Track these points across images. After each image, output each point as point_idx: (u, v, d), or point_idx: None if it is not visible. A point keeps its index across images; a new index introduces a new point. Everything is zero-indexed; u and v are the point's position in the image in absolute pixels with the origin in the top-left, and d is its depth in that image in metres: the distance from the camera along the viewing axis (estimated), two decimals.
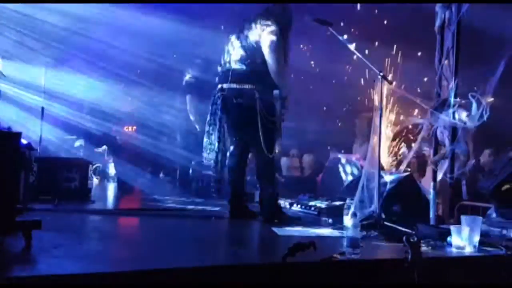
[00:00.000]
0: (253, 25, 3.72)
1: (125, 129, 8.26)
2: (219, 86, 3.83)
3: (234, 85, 3.72)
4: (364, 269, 2.37)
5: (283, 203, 4.25)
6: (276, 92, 3.68)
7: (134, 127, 8.31)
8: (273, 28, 3.66)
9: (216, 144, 3.82)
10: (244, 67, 3.70)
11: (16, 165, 2.32)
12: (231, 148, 3.92)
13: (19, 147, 2.34)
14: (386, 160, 5.71)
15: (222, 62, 3.90)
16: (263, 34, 3.64)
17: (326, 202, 3.98)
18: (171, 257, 2.51)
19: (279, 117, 3.77)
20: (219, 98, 3.81)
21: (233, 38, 3.84)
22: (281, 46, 3.67)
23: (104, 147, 7.11)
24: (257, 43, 3.67)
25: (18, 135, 2.32)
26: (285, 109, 3.79)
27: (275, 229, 3.30)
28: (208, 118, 3.90)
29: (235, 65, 3.74)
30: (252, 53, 3.69)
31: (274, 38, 3.64)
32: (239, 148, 3.92)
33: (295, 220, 3.73)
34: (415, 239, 2.38)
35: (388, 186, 3.90)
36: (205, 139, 3.91)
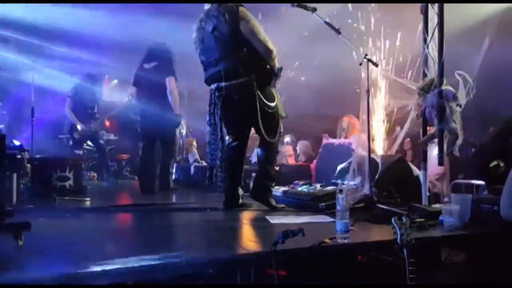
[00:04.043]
0: (222, 18, 3.70)
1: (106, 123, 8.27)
2: (215, 85, 3.83)
3: (230, 82, 3.73)
4: (354, 252, 2.38)
5: (277, 190, 4.27)
6: (275, 68, 3.73)
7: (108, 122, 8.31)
8: (243, 11, 3.67)
9: (220, 143, 3.85)
10: (233, 62, 3.70)
11: (3, 166, 2.31)
12: (229, 141, 3.94)
13: (4, 149, 2.34)
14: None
15: (206, 63, 3.89)
16: (241, 24, 3.63)
17: (319, 188, 3.99)
18: (165, 251, 2.52)
19: (279, 100, 3.89)
20: (218, 97, 3.81)
21: (202, 36, 3.83)
22: (259, 25, 3.69)
23: (89, 142, 7.10)
24: (236, 33, 3.65)
25: (2, 137, 2.32)
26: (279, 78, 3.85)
27: (268, 217, 3.33)
28: (208, 118, 3.92)
29: (225, 63, 3.73)
30: (236, 45, 3.68)
31: (251, 21, 3.66)
32: (239, 140, 3.94)
33: (279, 208, 3.80)
34: (404, 219, 2.40)
35: (380, 169, 3.91)
36: (207, 139, 3.96)
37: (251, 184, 4.30)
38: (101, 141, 6.94)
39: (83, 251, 2.40)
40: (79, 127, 6.56)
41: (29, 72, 6.18)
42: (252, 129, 3.97)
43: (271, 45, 3.69)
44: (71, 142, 6.70)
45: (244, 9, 3.71)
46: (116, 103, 8.61)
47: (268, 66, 3.74)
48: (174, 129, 5.66)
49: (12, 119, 7.75)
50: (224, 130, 3.90)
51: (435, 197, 4.57)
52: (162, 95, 5.29)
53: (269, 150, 3.90)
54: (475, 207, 2.94)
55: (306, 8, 3.66)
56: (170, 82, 5.31)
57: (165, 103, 5.29)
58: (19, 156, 4.26)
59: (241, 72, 3.68)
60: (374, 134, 4.60)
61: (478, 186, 4.21)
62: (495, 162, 3.27)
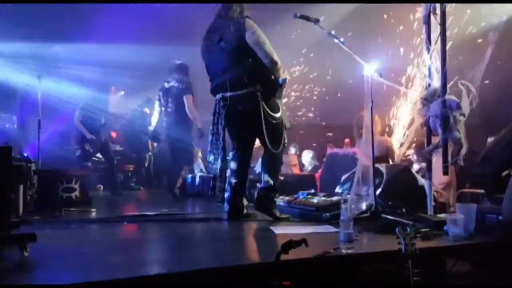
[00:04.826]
0: (228, 28, 3.74)
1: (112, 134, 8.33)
2: (220, 95, 3.86)
3: (235, 92, 3.76)
4: (358, 263, 2.38)
5: (281, 200, 4.27)
6: (280, 79, 3.76)
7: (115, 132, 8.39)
8: (250, 23, 3.71)
9: (222, 153, 3.86)
10: (238, 72, 3.73)
11: (8, 178, 2.34)
12: (234, 151, 3.95)
13: (11, 161, 2.37)
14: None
15: (212, 73, 3.93)
16: (247, 35, 3.67)
17: (324, 198, 3.98)
18: (170, 261, 2.54)
19: (284, 111, 3.91)
20: (222, 107, 3.84)
21: (209, 46, 3.88)
22: (265, 36, 3.72)
23: (98, 154, 7.12)
24: (242, 44, 3.68)
25: (9, 149, 2.35)
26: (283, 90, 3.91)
27: (272, 227, 3.33)
28: (211, 128, 3.95)
29: (230, 73, 3.76)
30: (241, 56, 3.72)
31: (257, 32, 3.70)
32: (243, 151, 3.95)
33: (284, 219, 3.80)
34: (409, 229, 2.39)
35: (385, 178, 3.90)
36: (209, 148, 3.98)
37: (256, 194, 4.30)
38: (111, 154, 6.97)
39: (88, 262, 2.42)
40: (89, 137, 6.61)
41: (36, 81, 6.26)
42: (257, 139, 3.99)
43: (276, 57, 3.72)
44: (79, 153, 6.74)
45: (251, 21, 3.75)
46: (122, 114, 8.70)
47: (272, 77, 3.77)
48: (191, 142, 6.19)
49: (21, 129, 7.82)
50: (227, 139, 3.92)
51: (442, 207, 4.53)
52: (180, 110, 5.96)
53: (273, 161, 3.91)
54: (480, 216, 2.93)
55: (309, 19, 3.69)
56: (187, 99, 5.95)
57: (183, 117, 5.95)
58: (25, 167, 4.30)
59: (246, 82, 3.71)
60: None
61: (484, 195, 4.18)
62: (506, 172, 3.25)
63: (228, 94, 3.79)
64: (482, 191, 4.31)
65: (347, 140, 5.87)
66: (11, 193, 2.42)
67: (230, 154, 3.94)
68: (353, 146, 5.88)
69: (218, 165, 3.91)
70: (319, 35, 3.97)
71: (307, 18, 3.69)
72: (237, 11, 3.79)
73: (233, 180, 3.90)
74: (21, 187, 3.96)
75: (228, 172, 3.94)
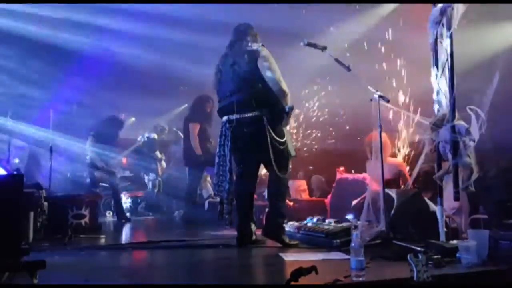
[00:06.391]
0: (242, 54, 3.82)
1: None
2: (226, 117, 3.90)
3: (242, 115, 3.80)
4: None
5: (290, 226, 4.23)
6: (287, 107, 3.79)
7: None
8: (263, 50, 3.79)
9: (228, 175, 3.86)
10: (247, 95, 3.78)
11: (19, 206, 2.36)
12: (239, 175, 3.95)
13: (22, 188, 2.39)
14: None
15: (221, 95, 3.98)
16: (259, 61, 3.74)
17: (334, 224, 3.95)
18: None
19: (289, 135, 3.96)
20: (228, 129, 3.87)
21: (223, 69, 3.94)
22: (276, 65, 3.78)
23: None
24: (253, 70, 3.75)
25: (21, 177, 2.38)
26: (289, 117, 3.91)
27: (281, 254, 3.30)
28: (217, 149, 3.97)
29: (238, 95, 3.81)
30: (251, 80, 3.77)
31: (270, 60, 3.76)
32: (247, 175, 3.95)
33: (293, 245, 3.76)
34: (420, 257, 2.36)
35: (396, 204, 3.86)
36: (215, 170, 3.98)
37: (264, 219, 4.27)
38: (117, 181, 6.99)
39: None
40: (100, 165, 6.66)
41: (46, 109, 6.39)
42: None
43: (284, 86, 3.76)
44: (88, 180, 6.79)
45: (265, 49, 3.83)
46: (132, 140, 8.77)
47: (280, 105, 3.80)
48: (202, 167, 6.37)
49: (33, 155, 7.90)
50: (233, 162, 3.92)
51: (454, 233, 4.46)
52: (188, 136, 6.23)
53: (279, 186, 3.89)
54: (493, 243, 2.88)
55: (316, 46, 3.74)
56: (189, 128, 6.18)
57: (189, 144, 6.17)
58: (36, 194, 4.33)
59: (253, 105, 3.75)
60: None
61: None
62: None
63: (234, 116, 3.83)
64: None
65: (342, 168, 5.70)
66: (21, 220, 2.42)
67: (235, 177, 3.93)
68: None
69: (225, 186, 3.90)
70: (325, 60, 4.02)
71: (314, 46, 3.75)
72: (251, 39, 3.89)
73: (240, 204, 3.89)
74: (32, 214, 3.99)
75: (235, 196, 3.92)
